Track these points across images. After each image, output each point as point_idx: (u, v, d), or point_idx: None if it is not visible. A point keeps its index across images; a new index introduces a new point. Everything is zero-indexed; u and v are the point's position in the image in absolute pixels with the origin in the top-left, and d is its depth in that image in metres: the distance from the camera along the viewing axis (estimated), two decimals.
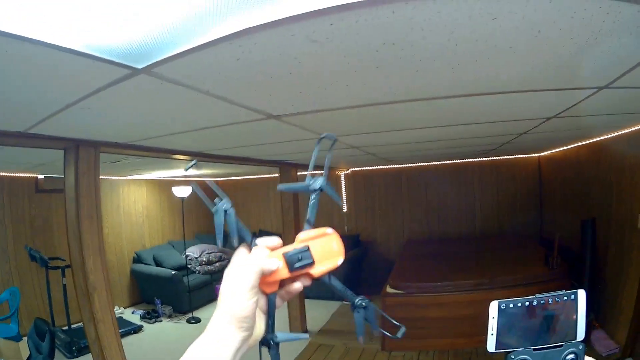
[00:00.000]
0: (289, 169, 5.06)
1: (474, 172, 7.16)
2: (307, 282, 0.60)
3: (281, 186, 0.66)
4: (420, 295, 4.81)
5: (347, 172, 7.53)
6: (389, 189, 7.44)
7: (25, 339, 3.91)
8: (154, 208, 6.38)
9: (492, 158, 6.96)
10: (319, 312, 5.88)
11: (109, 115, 1.86)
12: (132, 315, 5.19)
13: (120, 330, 4.49)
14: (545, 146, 5.66)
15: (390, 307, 4.76)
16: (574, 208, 5.23)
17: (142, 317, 5.21)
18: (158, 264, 5.86)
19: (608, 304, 4.14)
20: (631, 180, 3.67)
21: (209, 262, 6.44)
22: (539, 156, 6.95)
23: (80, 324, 2.85)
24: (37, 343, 3.74)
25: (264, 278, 0.57)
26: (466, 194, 7.23)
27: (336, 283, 0.62)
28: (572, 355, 0.59)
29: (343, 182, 7.58)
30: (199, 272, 6.21)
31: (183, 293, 5.56)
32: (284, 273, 0.58)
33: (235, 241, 0.59)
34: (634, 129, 3.50)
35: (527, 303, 0.63)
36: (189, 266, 6.13)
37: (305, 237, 0.59)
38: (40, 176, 4.77)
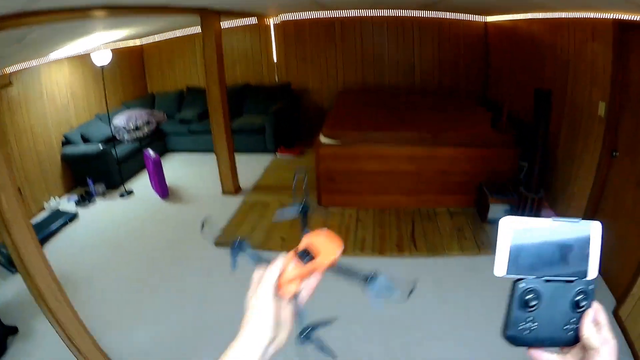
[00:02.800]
0: (212, 20, 4.50)
1: (413, 27, 6.87)
2: (319, 275, 0.67)
3: (276, 218, 0.77)
4: (357, 145, 4.65)
5: (277, 22, 7.01)
6: (321, 38, 7.06)
7: None
8: (78, 85, 5.78)
9: (435, 16, 6.65)
10: (251, 167, 5.87)
11: None
12: (68, 204, 4.93)
13: (56, 224, 4.38)
14: (490, 8, 5.36)
15: (324, 159, 4.68)
16: (524, 80, 5.14)
17: (77, 203, 4.99)
18: (86, 141, 5.47)
19: (559, 186, 4.22)
20: (592, 67, 3.50)
21: (137, 128, 6.09)
22: (485, 22, 6.70)
23: None
24: None
25: (282, 283, 0.63)
26: (405, 49, 7.01)
27: (344, 268, 0.67)
28: (582, 295, 0.53)
29: (273, 33, 7.12)
30: (128, 141, 5.90)
31: (113, 166, 5.33)
32: (299, 270, 0.64)
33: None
34: (601, 15, 3.25)
35: (544, 226, 0.54)
36: (116, 136, 5.80)
37: (306, 240, 0.67)
38: None
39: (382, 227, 4.38)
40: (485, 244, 3.99)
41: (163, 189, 5.19)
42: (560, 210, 4.19)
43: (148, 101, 7.14)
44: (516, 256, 0.53)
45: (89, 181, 5.14)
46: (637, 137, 3.03)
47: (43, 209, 4.87)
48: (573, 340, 0.53)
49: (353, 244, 4.08)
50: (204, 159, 6.23)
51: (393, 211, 4.69)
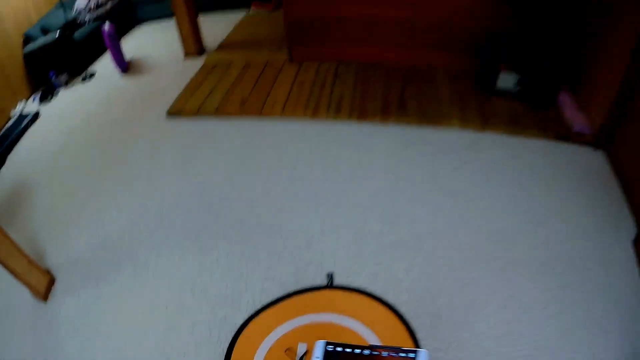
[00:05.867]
0: None
1: None
2: None
3: None
4: None
5: None
6: None
7: None
8: None
9: None
10: (221, 26, 5.16)
11: None
12: (33, 104, 4.53)
13: (18, 129, 3.95)
14: None
15: (295, 4, 3.83)
16: None
17: (40, 100, 4.50)
18: (47, 32, 4.88)
19: (582, 72, 3.21)
20: None
21: (99, 5, 5.41)
22: None
23: None
24: None
25: None
26: None
27: None
28: None
29: None
30: (90, 21, 5.30)
31: (73, 51, 4.81)
32: None
33: None
34: None
35: (357, 351, 0.60)
36: (79, 20, 5.23)
37: None
38: None
39: (365, 85, 3.64)
40: (491, 119, 3.18)
41: (122, 63, 4.65)
42: (582, 98, 3.23)
43: None
44: None
45: (51, 74, 4.69)
46: None
47: (10, 117, 4.46)
48: None
49: (327, 105, 3.40)
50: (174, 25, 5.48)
51: (380, 68, 3.86)
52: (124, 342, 2.09)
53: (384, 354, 0.60)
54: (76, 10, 5.17)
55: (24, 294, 2.38)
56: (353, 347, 0.60)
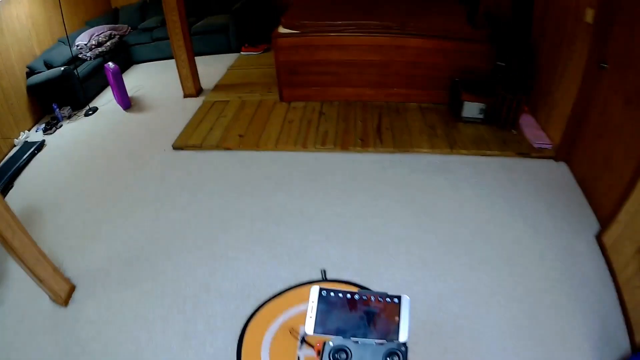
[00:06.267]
0: None
1: None
2: None
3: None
4: (318, 34, 4.30)
5: None
6: None
7: None
8: (38, 11, 5.40)
9: None
10: (214, 68, 5.67)
11: None
12: (37, 134, 4.77)
13: (24, 157, 4.21)
14: None
15: (283, 50, 4.39)
16: None
17: (44, 131, 4.82)
18: (50, 67, 5.21)
19: (540, 92, 3.85)
20: None
21: (99, 44, 5.85)
22: None
23: None
24: None
25: None
26: None
27: None
28: (394, 355, 0.58)
29: None
30: (91, 58, 5.68)
31: (76, 86, 5.14)
32: None
33: None
34: None
35: (348, 295, 0.64)
36: (79, 55, 5.60)
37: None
38: None
39: (347, 121, 4.22)
40: (457, 142, 3.79)
41: (125, 100, 5.05)
42: (541, 118, 3.88)
43: (111, 16, 6.82)
44: (323, 319, 0.62)
45: (54, 107, 4.99)
46: (629, 49, 2.66)
47: (14, 145, 4.74)
48: None
49: (314, 139, 3.94)
50: (168, 66, 5.96)
51: (359, 105, 4.49)
52: (145, 339, 2.35)
53: (372, 298, 0.64)
54: (77, 47, 5.57)
55: (43, 300, 2.59)
56: (345, 292, 0.64)
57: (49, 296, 2.60)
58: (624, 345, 2.13)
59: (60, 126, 4.95)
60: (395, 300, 0.63)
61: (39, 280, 2.47)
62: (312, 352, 2.24)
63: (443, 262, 2.66)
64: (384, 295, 0.63)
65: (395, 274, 2.59)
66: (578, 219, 2.93)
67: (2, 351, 2.37)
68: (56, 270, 2.60)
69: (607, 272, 2.51)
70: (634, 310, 2.20)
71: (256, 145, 3.91)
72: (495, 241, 2.80)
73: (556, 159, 3.51)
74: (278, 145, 3.90)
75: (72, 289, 2.71)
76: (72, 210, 3.44)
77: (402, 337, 0.60)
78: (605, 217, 2.73)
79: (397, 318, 0.62)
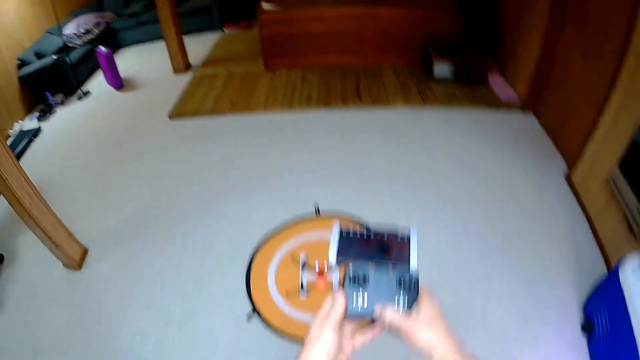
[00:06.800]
0: None
1: None
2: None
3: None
4: (297, 8, 4.68)
5: None
6: None
7: None
8: (25, 5, 5.50)
9: None
10: (200, 46, 5.93)
11: None
12: (31, 122, 4.89)
13: (22, 144, 4.32)
14: None
15: (267, 25, 4.71)
16: None
17: (39, 119, 4.97)
18: (41, 57, 5.36)
19: (506, 52, 4.17)
20: None
21: (87, 32, 6.01)
22: None
23: None
24: None
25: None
26: None
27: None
28: (407, 278, 0.62)
29: None
30: (80, 46, 5.85)
31: (68, 72, 5.31)
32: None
33: None
34: None
35: (365, 235, 0.69)
36: (69, 44, 5.73)
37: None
38: None
39: (328, 84, 4.56)
40: (430, 97, 4.17)
41: (117, 81, 5.26)
42: (508, 76, 4.21)
43: (96, 5, 6.93)
44: (343, 251, 0.68)
45: (48, 94, 5.13)
46: (584, 10, 2.95)
47: (9, 136, 4.85)
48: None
49: (299, 100, 4.27)
50: (155, 47, 6.25)
51: (338, 70, 4.83)
52: (159, 284, 2.54)
53: (385, 237, 0.68)
54: (66, 36, 5.70)
55: (57, 268, 2.71)
56: (360, 232, 0.68)
57: (63, 263, 2.72)
58: (601, 269, 2.40)
59: (55, 112, 5.09)
60: (405, 233, 0.69)
61: (55, 245, 2.55)
62: (313, 276, 2.57)
63: (422, 197, 3.03)
64: (395, 234, 0.68)
65: (379, 207, 2.96)
66: (547, 162, 3.26)
67: (20, 321, 2.46)
68: (70, 235, 2.73)
69: (578, 207, 2.81)
70: (608, 239, 2.47)
71: (247, 109, 4.23)
72: (469, 180, 3.15)
73: (524, 110, 3.86)
74: (267, 107, 4.23)
75: (85, 252, 2.84)
76: (77, 184, 3.59)
77: (413, 264, 0.66)
78: (572, 159, 3.03)
79: (406, 249, 0.67)
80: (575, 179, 2.95)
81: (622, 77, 2.48)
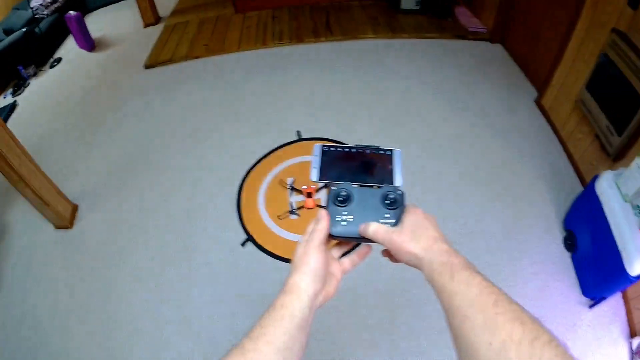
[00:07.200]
0: None
1: None
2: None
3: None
4: None
5: None
6: None
7: None
8: None
9: None
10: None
11: None
12: (6, 99, 4.76)
13: None
14: None
15: None
16: None
17: (12, 94, 4.86)
18: (11, 32, 5.23)
19: None
20: None
21: (54, 1, 5.82)
22: None
23: None
24: None
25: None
26: None
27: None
28: (392, 195, 0.62)
29: None
30: (48, 15, 5.71)
31: (39, 43, 5.19)
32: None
33: None
34: None
35: (347, 149, 0.68)
36: (36, 16, 5.59)
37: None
38: None
39: (298, 20, 4.58)
40: (398, 29, 4.18)
41: (89, 42, 5.18)
42: (475, 9, 4.23)
43: None
44: (325, 169, 0.66)
45: (20, 68, 5.02)
46: None
47: None
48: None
49: (272, 37, 4.27)
50: (123, 5, 6.08)
51: (307, 8, 4.82)
52: (152, 226, 2.57)
53: (367, 151, 0.67)
54: (34, 9, 5.58)
55: (48, 230, 2.69)
56: (343, 146, 0.67)
57: (54, 224, 2.71)
58: (577, 187, 2.50)
59: (28, 84, 4.99)
60: (388, 152, 0.67)
61: (46, 204, 2.53)
62: (302, 197, 2.67)
63: (399, 119, 3.13)
64: (377, 149, 0.67)
65: (358, 130, 3.06)
66: (517, 89, 3.33)
67: (19, 291, 2.44)
68: (59, 192, 2.71)
69: (550, 130, 2.90)
70: (581, 159, 2.58)
71: (221, 50, 4.23)
72: (443, 103, 3.23)
73: (491, 41, 3.89)
74: (241, 46, 4.23)
75: (75, 208, 2.81)
76: (60, 146, 3.56)
77: (397, 181, 0.65)
78: (541, 86, 3.11)
79: (390, 167, 0.66)
80: (546, 103, 3.04)
81: (586, 6, 2.52)
